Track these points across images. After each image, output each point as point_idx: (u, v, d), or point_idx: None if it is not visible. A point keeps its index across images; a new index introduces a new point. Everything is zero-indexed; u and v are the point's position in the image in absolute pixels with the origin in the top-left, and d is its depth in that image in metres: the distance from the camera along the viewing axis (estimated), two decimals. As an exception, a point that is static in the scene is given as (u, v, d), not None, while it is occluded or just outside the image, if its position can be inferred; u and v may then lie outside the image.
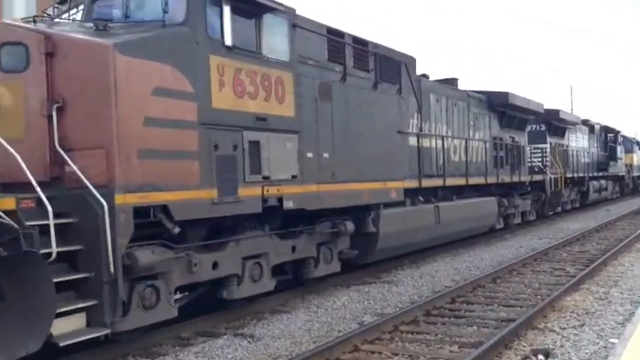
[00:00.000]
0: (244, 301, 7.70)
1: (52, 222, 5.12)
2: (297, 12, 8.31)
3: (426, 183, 11.88)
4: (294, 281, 9.00)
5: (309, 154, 8.31)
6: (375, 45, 10.37)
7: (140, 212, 5.90)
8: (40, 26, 5.99)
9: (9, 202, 4.90)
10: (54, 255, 5.09)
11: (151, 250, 6.03)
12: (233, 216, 7.18)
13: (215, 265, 7.02)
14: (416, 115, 11.78)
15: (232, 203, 6.97)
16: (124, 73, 5.71)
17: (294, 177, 8.01)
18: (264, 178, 7.49)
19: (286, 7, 8.00)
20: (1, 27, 6.23)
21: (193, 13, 6.58)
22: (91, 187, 5.44)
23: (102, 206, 5.42)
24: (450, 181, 12.98)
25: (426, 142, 12.15)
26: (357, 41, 9.92)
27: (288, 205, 7.87)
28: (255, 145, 7.35)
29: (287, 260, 8.39)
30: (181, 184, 6.31)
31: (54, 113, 5.60)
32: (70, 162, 5.50)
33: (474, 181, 14.00)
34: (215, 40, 6.82)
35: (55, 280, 4.91)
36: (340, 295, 8.95)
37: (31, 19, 6.11)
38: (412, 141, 11.58)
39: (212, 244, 7.11)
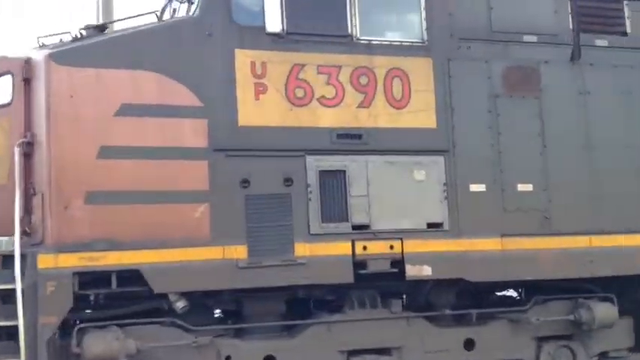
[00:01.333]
0: None
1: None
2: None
3: None
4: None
5: (476, 187, 4.95)
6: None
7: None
8: (36, 50, 5.06)
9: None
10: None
11: (115, 334, 4.21)
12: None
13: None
14: None
15: (282, 267, 4.51)
16: (64, 88, 4.27)
17: (433, 226, 4.84)
18: (358, 227, 4.69)
19: None
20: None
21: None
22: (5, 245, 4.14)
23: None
24: None
25: None
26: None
27: (418, 272, 4.75)
28: (334, 177, 4.70)
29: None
30: (174, 239, 4.35)
31: (16, 150, 4.52)
32: (16, 211, 4.31)
33: None
34: (247, 28, 4.67)
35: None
36: None
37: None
38: None
39: (269, 326, 4.74)
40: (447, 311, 5.13)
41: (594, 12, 5.85)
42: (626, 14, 6.00)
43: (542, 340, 5.29)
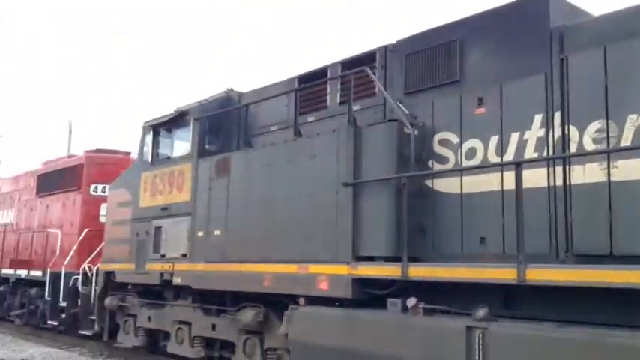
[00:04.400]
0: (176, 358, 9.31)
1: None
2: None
3: (441, 273, 5.58)
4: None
5: (199, 233, 8.60)
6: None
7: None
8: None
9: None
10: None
11: (119, 297, 10.46)
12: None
13: (149, 319, 9.74)
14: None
15: (141, 275, 9.67)
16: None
17: (184, 255, 8.83)
18: (162, 256, 9.28)
19: (193, 106, 9.21)
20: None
21: (139, 151, 10.34)
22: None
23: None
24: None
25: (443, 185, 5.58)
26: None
27: (177, 281, 8.89)
28: (159, 230, 9.46)
29: (206, 335, 8.68)
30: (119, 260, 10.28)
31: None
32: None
33: None
34: (144, 162, 10.08)
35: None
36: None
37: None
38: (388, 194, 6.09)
39: (155, 303, 9.81)
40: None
41: (309, 96, 7.98)
42: (327, 91, 7.75)
43: (247, 332, 7.98)
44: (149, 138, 9.98)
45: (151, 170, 9.83)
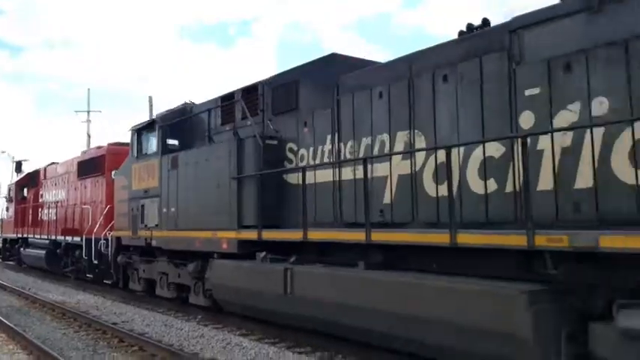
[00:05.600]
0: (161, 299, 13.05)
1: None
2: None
3: (274, 235, 8.84)
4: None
5: (164, 209, 12.15)
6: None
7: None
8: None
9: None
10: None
11: (127, 256, 14.29)
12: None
13: (151, 270, 13.47)
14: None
15: (136, 239, 13.40)
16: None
17: (157, 225, 12.43)
18: (145, 225, 12.93)
19: (158, 116, 12.65)
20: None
21: (130, 148, 13.94)
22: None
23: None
24: (324, 235, 7.83)
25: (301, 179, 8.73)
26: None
27: (154, 243, 12.53)
28: (144, 207, 13.09)
29: (176, 282, 12.32)
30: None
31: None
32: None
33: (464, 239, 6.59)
34: (133, 157, 13.67)
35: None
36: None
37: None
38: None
39: (148, 260, 13.53)
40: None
41: (226, 111, 11.25)
42: (234, 109, 10.98)
43: (195, 278, 11.50)
44: (134, 138, 13.54)
45: (137, 162, 13.41)
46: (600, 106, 5.32)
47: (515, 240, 5.42)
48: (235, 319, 10.21)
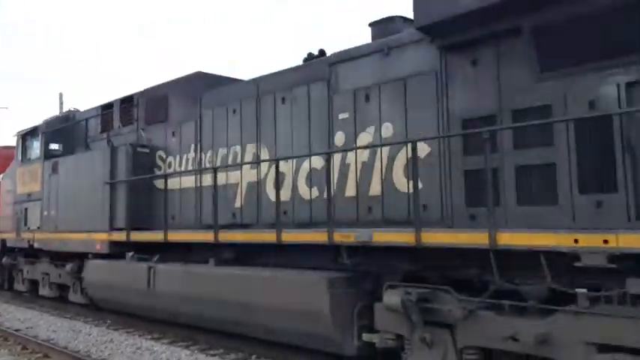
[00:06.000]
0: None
1: None
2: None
3: (140, 237, 9.70)
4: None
5: (45, 212, 12.64)
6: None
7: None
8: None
9: None
10: None
11: (12, 257, 14.54)
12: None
13: (34, 271, 13.80)
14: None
15: (20, 240, 13.75)
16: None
17: (39, 227, 12.88)
18: (29, 228, 13.33)
19: (45, 121, 13.14)
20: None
21: (16, 152, 14.27)
22: None
23: None
24: (192, 236, 8.82)
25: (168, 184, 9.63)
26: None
27: (36, 245, 12.97)
28: (26, 210, 13.49)
29: (57, 282, 12.82)
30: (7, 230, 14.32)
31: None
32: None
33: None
34: (19, 161, 14.03)
35: None
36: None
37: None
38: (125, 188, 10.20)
39: (31, 261, 13.90)
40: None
41: (106, 119, 11.95)
42: (113, 117, 11.71)
43: (74, 277, 12.10)
44: (20, 143, 13.92)
45: (22, 167, 13.79)
46: (387, 129, 6.64)
47: (321, 237, 6.62)
48: (146, 324, 10.13)
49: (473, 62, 5.90)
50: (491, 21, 5.42)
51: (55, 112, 27.80)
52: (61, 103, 28.07)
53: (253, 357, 7.90)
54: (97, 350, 8.67)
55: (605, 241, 4.38)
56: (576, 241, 4.55)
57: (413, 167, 5.77)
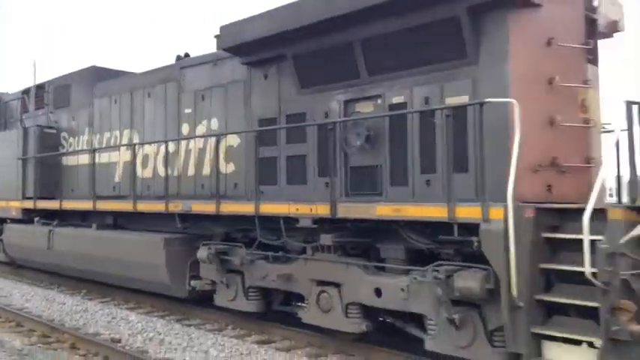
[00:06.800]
0: None
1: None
2: None
3: (43, 205, 11.53)
4: None
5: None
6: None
7: None
8: None
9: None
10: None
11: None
12: None
13: None
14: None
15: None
16: None
17: None
18: None
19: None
20: None
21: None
22: None
23: None
24: (79, 205, 10.69)
25: (69, 161, 11.43)
26: None
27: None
28: None
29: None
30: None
31: None
32: None
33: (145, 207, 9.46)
34: None
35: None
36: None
37: None
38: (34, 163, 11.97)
39: None
40: None
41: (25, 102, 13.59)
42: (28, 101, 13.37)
43: (-1, 240, 13.88)
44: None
45: None
46: (214, 124, 8.56)
47: (161, 207, 8.56)
48: (122, 293, 10.29)
49: (265, 76, 7.82)
50: (265, 49, 7.33)
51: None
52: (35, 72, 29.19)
53: (229, 327, 8.15)
54: (71, 319, 8.72)
55: (311, 210, 6.41)
56: (297, 209, 6.57)
57: (216, 155, 7.71)
